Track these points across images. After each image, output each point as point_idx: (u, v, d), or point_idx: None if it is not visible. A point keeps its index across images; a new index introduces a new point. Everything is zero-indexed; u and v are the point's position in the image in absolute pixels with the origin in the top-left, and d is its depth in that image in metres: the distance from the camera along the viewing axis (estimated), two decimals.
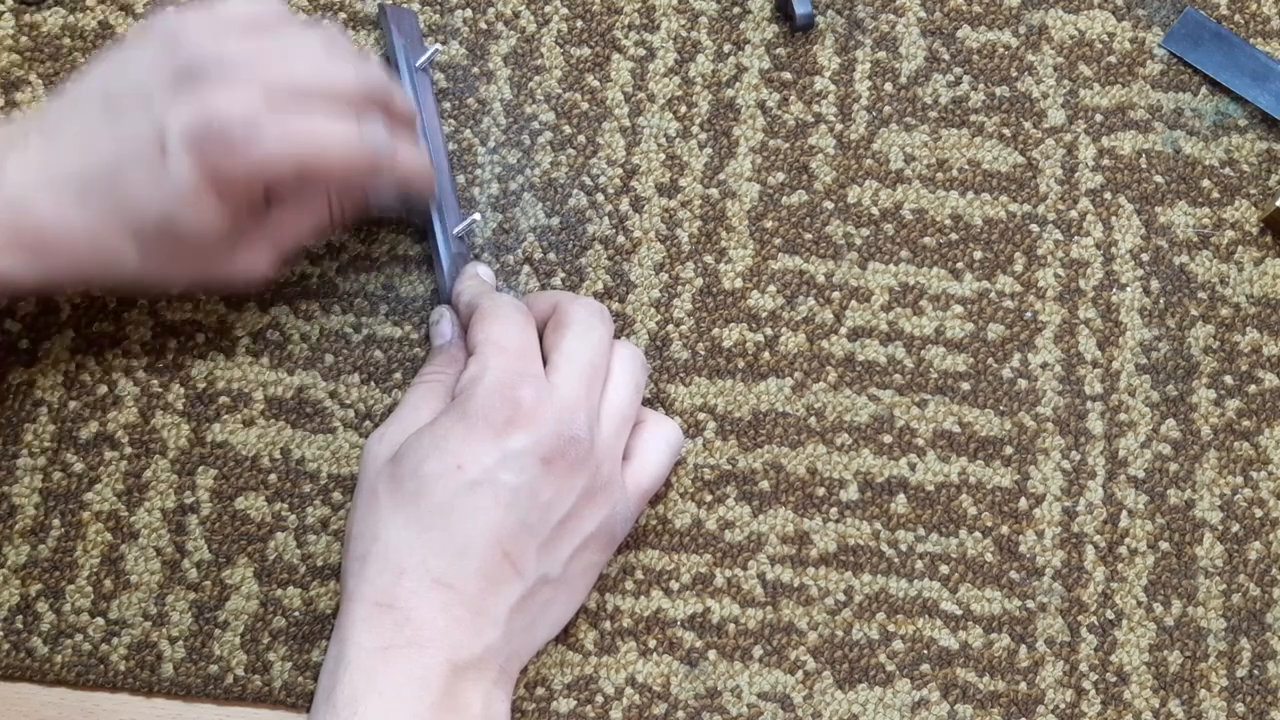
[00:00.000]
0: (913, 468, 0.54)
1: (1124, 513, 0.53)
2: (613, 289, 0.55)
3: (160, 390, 0.54)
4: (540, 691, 0.51)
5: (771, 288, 0.55)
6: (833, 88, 0.58)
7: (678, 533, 0.53)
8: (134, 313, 0.55)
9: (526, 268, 0.56)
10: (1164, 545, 0.53)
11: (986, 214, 0.57)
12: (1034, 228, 0.56)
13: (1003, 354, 0.55)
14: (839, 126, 0.57)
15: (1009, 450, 0.54)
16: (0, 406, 0.53)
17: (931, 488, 0.53)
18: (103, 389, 0.54)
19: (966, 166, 0.57)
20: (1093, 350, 0.55)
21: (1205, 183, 0.57)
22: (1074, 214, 0.56)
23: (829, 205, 0.56)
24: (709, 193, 0.56)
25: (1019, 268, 0.56)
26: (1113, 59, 0.58)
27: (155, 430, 0.53)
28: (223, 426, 0.54)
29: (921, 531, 0.53)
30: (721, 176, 0.57)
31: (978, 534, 0.53)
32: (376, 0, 0.58)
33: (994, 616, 0.52)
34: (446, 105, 0.57)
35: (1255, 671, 0.52)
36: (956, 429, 0.54)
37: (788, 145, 0.57)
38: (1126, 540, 0.53)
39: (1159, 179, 0.57)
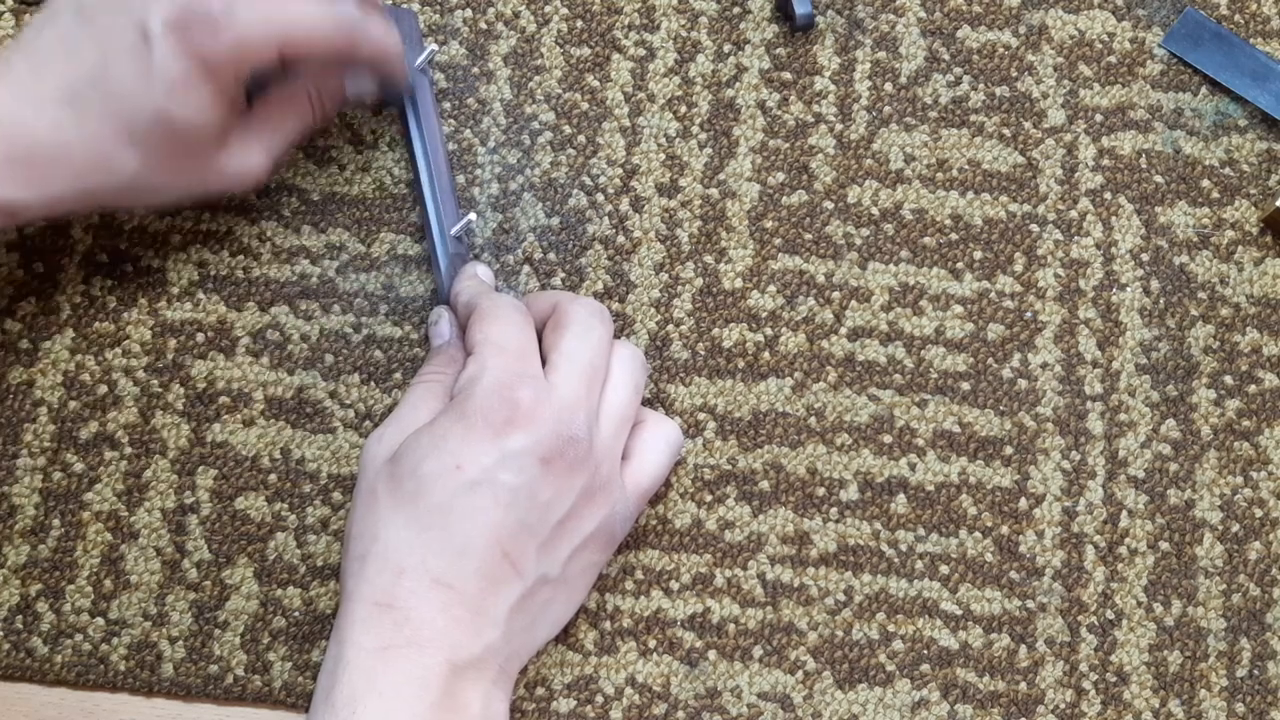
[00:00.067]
0: (913, 468, 0.54)
1: (1124, 513, 0.53)
2: (613, 289, 0.55)
3: (160, 390, 0.54)
4: (540, 691, 0.51)
5: (771, 288, 0.55)
6: (833, 88, 0.58)
7: (678, 533, 0.53)
8: (134, 313, 0.55)
9: (526, 268, 0.56)
10: (1164, 545, 0.53)
11: (986, 214, 0.57)
12: (1034, 228, 0.56)
13: (1003, 354, 0.55)
14: (839, 126, 0.57)
15: (1009, 450, 0.54)
16: (0, 406, 0.53)
17: (931, 488, 0.53)
18: (103, 389, 0.54)
19: (966, 166, 0.57)
20: (1093, 350, 0.55)
21: (1205, 183, 0.57)
22: (1074, 214, 0.56)
23: (829, 205, 0.56)
24: (709, 193, 0.56)
25: (1019, 268, 0.56)
26: (1113, 59, 0.58)
27: (155, 430, 0.53)
28: (223, 426, 0.54)
29: (921, 531, 0.53)
30: (721, 176, 0.57)
31: (978, 534, 0.53)
32: None
33: (994, 616, 0.52)
34: (446, 105, 0.57)
35: (1255, 671, 0.52)
36: (956, 429, 0.54)
37: (788, 145, 0.57)
38: (1126, 540, 0.53)
39: (1159, 179, 0.57)
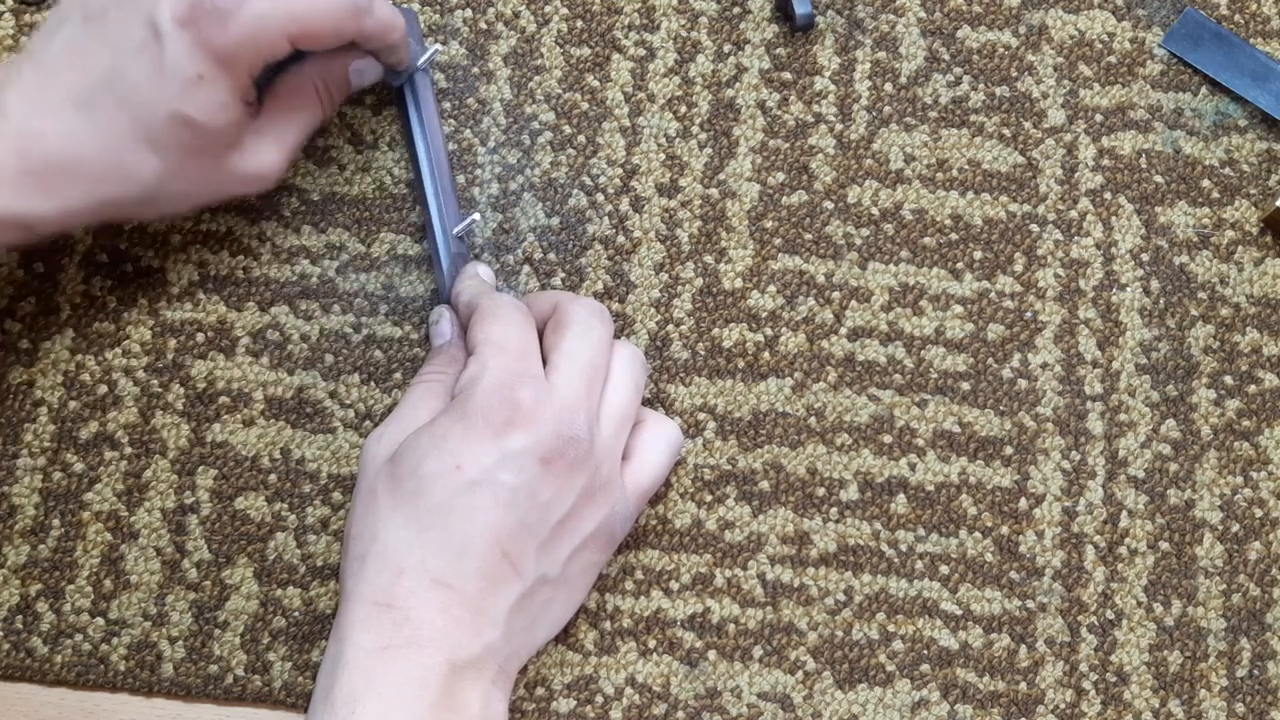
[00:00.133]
0: (913, 468, 0.54)
1: (1124, 513, 0.53)
2: (613, 289, 0.55)
3: (160, 390, 0.54)
4: (540, 691, 0.51)
5: (771, 288, 0.55)
6: (833, 88, 0.58)
7: (678, 533, 0.53)
8: (134, 313, 0.55)
9: (526, 268, 0.56)
10: (1164, 545, 0.53)
11: (986, 214, 0.57)
12: (1034, 228, 0.56)
13: (1003, 354, 0.55)
14: (839, 126, 0.57)
15: (1009, 450, 0.54)
16: (0, 406, 0.53)
17: (931, 488, 0.53)
18: (103, 389, 0.54)
19: (966, 166, 0.57)
20: (1093, 350, 0.55)
21: (1205, 183, 0.57)
22: (1074, 214, 0.56)
23: (829, 205, 0.56)
24: (709, 193, 0.56)
25: (1019, 268, 0.56)
26: (1113, 59, 0.58)
27: (155, 430, 0.53)
28: (223, 426, 0.54)
29: (921, 531, 0.53)
30: (721, 176, 0.57)
31: (978, 534, 0.53)
32: None
33: (994, 616, 0.52)
34: (446, 105, 0.57)
35: (1255, 671, 0.52)
36: (956, 429, 0.54)
37: (788, 145, 0.57)
38: (1126, 540, 0.53)
39: (1159, 179, 0.57)
